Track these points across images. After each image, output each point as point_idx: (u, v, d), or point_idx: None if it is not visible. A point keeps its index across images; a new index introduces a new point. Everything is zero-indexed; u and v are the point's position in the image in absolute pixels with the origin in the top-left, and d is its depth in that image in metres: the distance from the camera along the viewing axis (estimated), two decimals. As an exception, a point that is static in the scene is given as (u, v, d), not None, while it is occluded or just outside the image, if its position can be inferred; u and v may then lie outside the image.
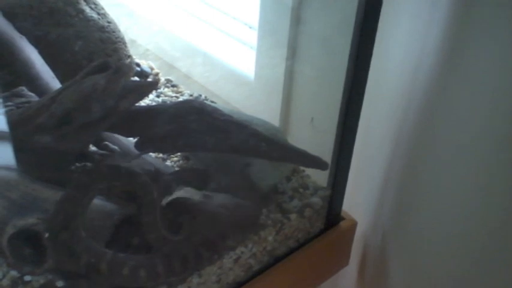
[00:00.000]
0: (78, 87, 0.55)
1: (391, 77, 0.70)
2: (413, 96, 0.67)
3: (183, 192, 0.60)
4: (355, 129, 0.67)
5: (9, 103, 0.70)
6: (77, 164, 0.70)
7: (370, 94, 0.66)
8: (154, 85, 0.59)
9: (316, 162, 0.66)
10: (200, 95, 0.88)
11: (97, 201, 0.62)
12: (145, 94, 0.59)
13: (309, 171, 0.75)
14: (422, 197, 0.69)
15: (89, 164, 0.69)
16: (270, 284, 0.68)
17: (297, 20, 0.83)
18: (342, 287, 0.85)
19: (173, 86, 0.89)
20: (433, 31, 0.63)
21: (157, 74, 0.91)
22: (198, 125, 0.65)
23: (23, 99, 0.71)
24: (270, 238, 0.67)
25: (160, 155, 0.75)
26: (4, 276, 0.58)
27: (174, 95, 0.87)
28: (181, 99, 0.86)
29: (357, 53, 0.61)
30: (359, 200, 0.78)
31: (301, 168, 0.75)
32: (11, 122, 0.64)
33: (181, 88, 0.89)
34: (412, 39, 0.67)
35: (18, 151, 0.63)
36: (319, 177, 0.74)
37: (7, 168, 0.64)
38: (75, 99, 0.55)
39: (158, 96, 0.86)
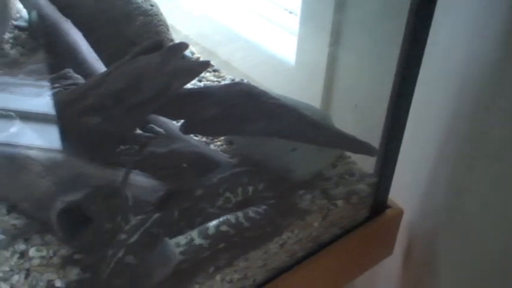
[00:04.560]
0: (131, 67, 0.55)
1: (446, 63, 0.68)
2: (468, 85, 0.66)
3: None
4: (406, 116, 0.66)
5: (57, 85, 0.71)
6: (122, 147, 0.70)
7: (423, 79, 0.64)
8: (206, 65, 0.59)
9: (365, 148, 0.65)
10: (242, 80, 0.87)
11: (141, 178, 0.63)
12: (197, 74, 0.59)
13: (355, 157, 0.74)
14: (474, 190, 0.68)
15: (135, 146, 0.70)
16: (313, 271, 0.68)
17: (341, 4, 0.81)
18: (384, 276, 0.84)
19: (215, 70, 0.88)
20: (489, 32, 0.61)
21: (198, 59, 0.91)
22: (245, 109, 0.64)
23: (70, 81, 0.71)
24: (316, 224, 0.66)
25: (204, 138, 0.74)
26: (55, 254, 0.59)
27: (215, 79, 0.86)
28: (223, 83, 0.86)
29: (412, 36, 0.59)
30: (405, 188, 0.76)
31: (347, 154, 0.74)
32: (60, 103, 0.64)
33: (223, 73, 0.88)
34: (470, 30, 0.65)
35: (67, 132, 0.63)
36: (365, 164, 0.73)
37: (55, 148, 0.64)
38: (128, 79, 0.55)
39: (200, 81, 0.85)
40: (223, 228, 0.58)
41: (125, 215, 0.55)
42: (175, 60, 0.55)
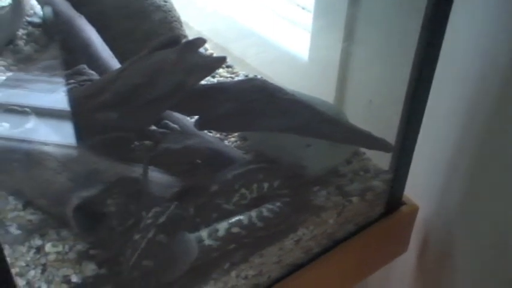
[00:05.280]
0: (147, 62, 0.55)
1: (463, 58, 0.68)
2: (486, 80, 0.65)
3: None
4: (422, 112, 0.65)
5: (72, 81, 0.71)
6: (136, 143, 0.70)
7: (440, 74, 0.64)
8: (222, 61, 0.58)
9: (380, 144, 0.65)
10: (256, 76, 0.87)
11: (157, 174, 0.63)
12: (213, 70, 0.59)
13: (369, 154, 0.74)
14: (490, 187, 0.67)
15: (148, 142, 0.70)
16: (328, 268, 0.67)
17: (355, 0, 0.81)
18: (399, 273, 0.84)
19: (228, 66, 0.88)
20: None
21: (211, 55, 0.91)
22: (259, 104, 0.64)
23: (85, 77, 0.71)
24: (331, 221, 0.65)
25: (218, 134, 0.74)
26: (70, 249, 0.59)
27: (229, 75, 0.86)
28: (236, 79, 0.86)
29: (430, 30, 0.59)
30: (420, 184, 0.76)
31: (362, 150, 0.73)
32: (75, 99, 0.64)
33: (236, 69, 0.88)
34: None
35: (81, 128, 0.63)
36: (380, 161, 0.72)
37: (71, 144, 0.64)
38: (144, 74, 0.55)
39: (213, 77, 0.85)
40: (235, 230, 0.58)
41: (145, 207, 0.55)
42: (192, 56, 0.55)
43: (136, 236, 0.52)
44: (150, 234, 0.52)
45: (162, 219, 0.53)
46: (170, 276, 0.52)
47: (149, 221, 0.53)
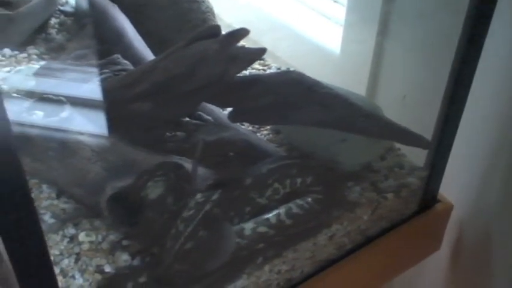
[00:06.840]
0: (187, 52, 0.54)
1: (504, 56, 0.66)
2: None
3: None
4: (461, 110, 0.64)
5: (106, 70, 0.70)
6: (168, 134, 0.69)
7: (479, 72, 0.62)
8: (262, 52, 0.58)
9: (418, 141, 0.63)
10: (288, 68, 0.86)
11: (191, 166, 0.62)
12: (253, 61, 0.58)
13: (404, 150, 0.72)
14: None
15: (180, 133, 0.69)
16: (361, 264, 0.66)
17: (391, -6, 0.79)
18: (430, 271, 0.82)
19: (260, 59, 0.87)
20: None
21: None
22: (296, 98, 0.63)
23: (119, 67, 0.71)
24: (365, 217, 0.65)
25: (250, 127, 0.74)
26: (103, 239, 0.59)
27: (261, 68, 0.86)
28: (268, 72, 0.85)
29: (473, 23, 0.57)
30: (456, 182, 0.74)
31: (397, 146, 0.72)
32: (110, 89, 0.64)
33: (268, 61, 0.87)
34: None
35: (117, 118, 0.63)
36: (414, 157, 0.71)
37: (105, 134, 0.64)
38: (184, 65, 0.54)
39: (246, 69, 0.84)
40: (262, 229, 0.57)
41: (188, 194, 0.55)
42: (233, 47, 0.55)
43: (189, 212, 0.52)
44: (206, 207, 0.52)
45: (215, 197, 0.54)
46: (213, 263, 0.51)
47: (201, 200, 0.53)
